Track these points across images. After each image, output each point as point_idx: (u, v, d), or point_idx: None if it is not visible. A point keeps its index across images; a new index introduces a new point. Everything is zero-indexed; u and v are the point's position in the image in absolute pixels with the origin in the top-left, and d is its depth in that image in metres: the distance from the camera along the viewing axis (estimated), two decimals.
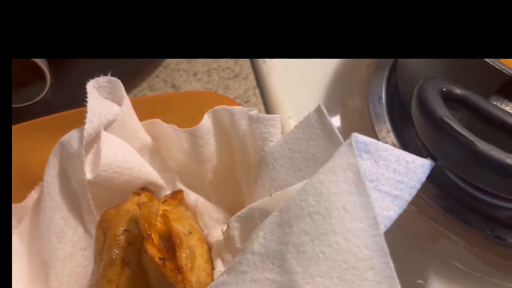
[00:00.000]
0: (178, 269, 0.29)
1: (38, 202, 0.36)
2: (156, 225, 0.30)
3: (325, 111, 0.27)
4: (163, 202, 0.33)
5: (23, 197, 0.37)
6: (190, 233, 0.32)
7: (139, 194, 0.34)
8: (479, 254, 0.38)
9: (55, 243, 0.33)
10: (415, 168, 0.22)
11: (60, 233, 0.34)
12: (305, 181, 0.23)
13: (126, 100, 0.35)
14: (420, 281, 0.37)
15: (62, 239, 0.34)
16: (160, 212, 0.31)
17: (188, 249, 0.30)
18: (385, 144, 0.22)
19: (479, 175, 0.26)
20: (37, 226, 0.35)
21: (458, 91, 0.26)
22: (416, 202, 0.40)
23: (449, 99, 0.26)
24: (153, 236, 0.29)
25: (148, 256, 0.28)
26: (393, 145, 0.42)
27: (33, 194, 0.37)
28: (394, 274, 0.19)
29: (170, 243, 0.30)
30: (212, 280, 0.30)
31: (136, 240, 0.31)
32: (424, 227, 0.39)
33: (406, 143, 0.43)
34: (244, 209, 0.29)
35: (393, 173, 0.22)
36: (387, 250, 0.20)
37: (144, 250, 0.29)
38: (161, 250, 0.29)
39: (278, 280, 0.21)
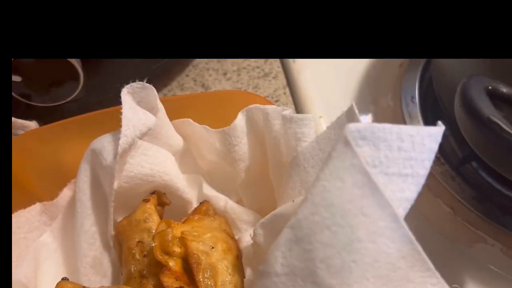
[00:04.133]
0: None
1: (70, 204, 0.36)
2: (174, 251, 0.29)
3: (356, 111, 0.26)
4: (184, 222, 0.32)
5: (55, 195, 0.37)
6: (213, 247, 0.30)
7: (148, 200, 0.33)
8: None
9: (86, 249, 0.34)
10: (422, 140, 0.21)
11: (90, 239, 0.34)
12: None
13: (161, 110, 0.34)
14: (456, 286, 0.36)
15: (92, 245, 0.34)
16: (179, 235, 0.30)
17: (209, 268, 0.29)
18: (380, 125, 0.20)
19: None
20: (69, 227, 0.35)
21: (504, 89, 0.25)
22: (452, 204, 0.39)
23: (495, 98, 0.25)
24: (174, 263, 0.29)
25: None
26: None
27: (65, 192, 0.37)
28: (425, 256, 0.20)
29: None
30: None
31: (150, 250, 0.31)
32: (460, 230, 0.39)
33: (440, 143, 0.42)
34: (268, 215, 0.28)
35: (398, 152, 0.20)
36: (412, 237, 0.20)
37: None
38: (181, 275, 0.28)
39: None
